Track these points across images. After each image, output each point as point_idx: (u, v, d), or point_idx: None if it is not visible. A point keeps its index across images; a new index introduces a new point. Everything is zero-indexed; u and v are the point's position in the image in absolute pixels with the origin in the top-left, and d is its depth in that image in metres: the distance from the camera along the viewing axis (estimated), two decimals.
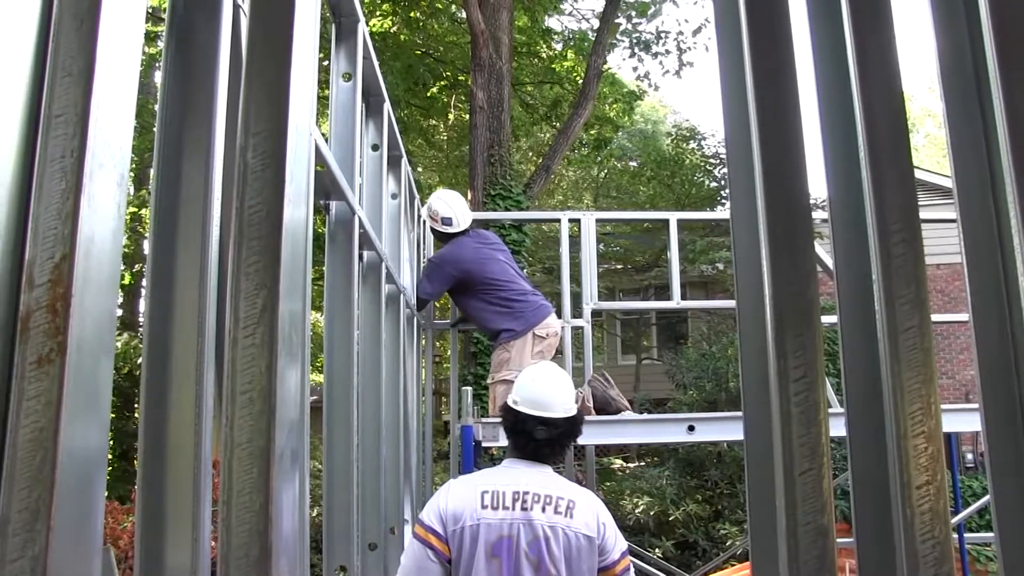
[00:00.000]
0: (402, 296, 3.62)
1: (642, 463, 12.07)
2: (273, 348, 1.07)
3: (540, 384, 2.58)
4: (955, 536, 5.35)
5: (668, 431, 4.20)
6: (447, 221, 4.53)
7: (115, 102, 0.93)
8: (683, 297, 5.14)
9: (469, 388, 3.91)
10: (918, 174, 1.90)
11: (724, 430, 4.18)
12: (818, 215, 5.39)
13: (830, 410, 0.98)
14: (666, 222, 5.18)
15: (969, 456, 12.12)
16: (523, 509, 2.31)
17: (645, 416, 4.64)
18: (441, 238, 4.67)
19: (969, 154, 1.03)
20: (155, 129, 1.18)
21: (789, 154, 1.07)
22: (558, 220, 5.32)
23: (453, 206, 4.56)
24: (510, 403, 2.56)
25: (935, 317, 4.86)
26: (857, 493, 1.01)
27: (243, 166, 1.11)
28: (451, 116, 14.61)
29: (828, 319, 4.79)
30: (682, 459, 10.12)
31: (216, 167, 1.20)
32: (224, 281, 1.17)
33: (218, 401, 1.16)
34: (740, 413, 1.15)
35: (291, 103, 1.15)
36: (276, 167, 1.12)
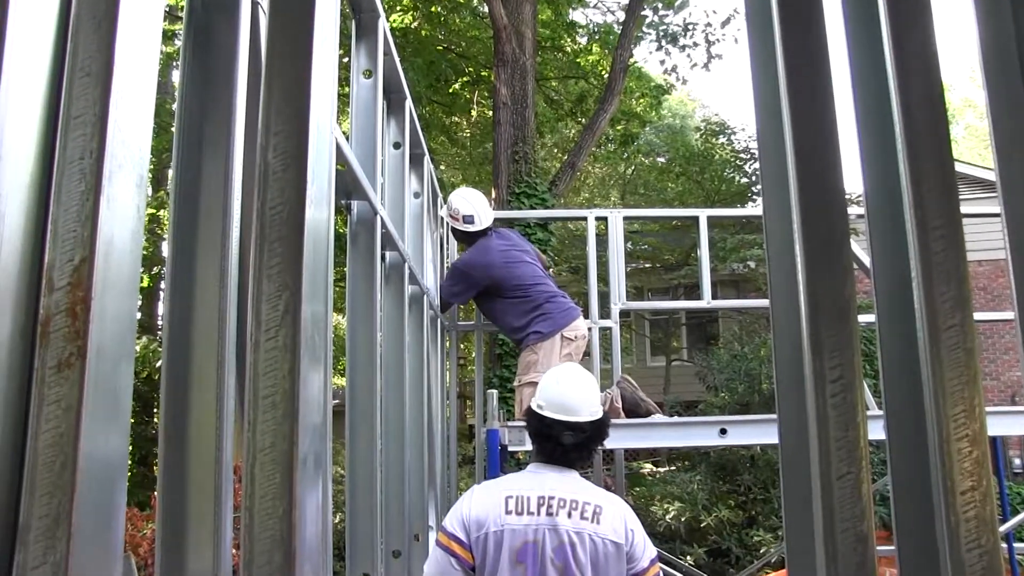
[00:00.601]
0: (425, 297, 3.64)
1: (673, 467, 12.00)
2: (296, 351, 1.07)
3: (565, 387, 2.57)
4: (1003, 545, 5.25)
5: (699, 434, 4.16)
6: (468, 219, 4.52)
7: (134, 102, 0.94)
8: (714, 296, 5.11)
9: (495, 391, 3.91)
10: (958, 167, 1.87)
11: (757, 433, 4.14)
12: (854, 211, 5.33)
13: (868, 413, 0.97)
14: (696, 219, 5.15)
15: (1017, 461, 11.92)
16: (548, 514, 2.30)
17: (676, 419, 4.61)
18: (461, 238, 4.67)
19: (1013, 146, 1.01)
20: (174, 129, 1.20)
21: (823, 147, 1.05)
22: (584, 218, 5.30)
23: (474, 204, 4.55)
24: (534, 407, 2.56)
25: (978, 316, 4.78)
26: (898, 499, 0.99)
27: (263, 166, 1.11)
28: (474, 113, 14.62)
29: (865, 318, 4.74)
30: (714, 463, 10.05)
31: (236, 167, 1.21)
32: (245, 283, 1.17)
33: (239, 405, 1.19)
34: (774, 415, 1.14)
35: (312, 101, 1.15)
36: (297, 167, 1.12)
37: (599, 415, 2.55)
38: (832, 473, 0.94)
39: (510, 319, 4.42)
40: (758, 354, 10.68)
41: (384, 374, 2.74)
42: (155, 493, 1.15)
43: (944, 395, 0.91)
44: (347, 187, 2.18)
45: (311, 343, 1.20)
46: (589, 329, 4.76)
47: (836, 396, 0.96)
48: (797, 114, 1.06)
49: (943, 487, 0.90)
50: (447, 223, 4.72)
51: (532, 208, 8.92)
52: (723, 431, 3.90)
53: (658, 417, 4.23)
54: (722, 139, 15.96)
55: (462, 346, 14.19)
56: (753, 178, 15.06)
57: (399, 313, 2.99)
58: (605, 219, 5.15)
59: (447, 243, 5.05)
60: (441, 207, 4.73)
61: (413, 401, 3.17)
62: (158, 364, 9.95)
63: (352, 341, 2.29)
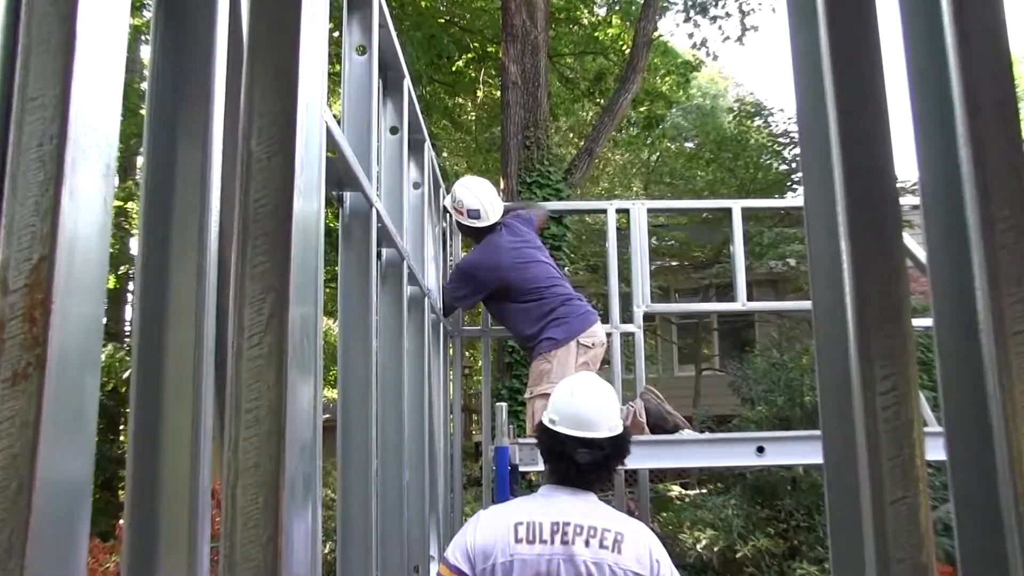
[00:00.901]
0: (427, 299, 3.64)
1: (704, 490, 11.97)
2: (283, 359, 1.06)
3: (580, 398, 2.57)
4: None
5: (734, 453, 4.15)
6: (474, 214, 4.52)
7: (100, 80, 0.93)
8: (749, 298, 5.10)
9: (504, 404, 3.90)
10: None
11: (799, 452, 4.13)
12: (907, 200, 5.31)
13: (926, 429, 0.96)
14: (728, 211, 5.15)
15: None
16: (563, 543, 2.30)
17: (707, 435, 4.61)
18: (468, 233, 4.68)
19: None
20: (144, 112, 1.19)
21: (872, 129, 1.04)
22: (604, 211, 5.31)
23: (481, 196, 4.55)
24: (546, 422, 2.56)
25: None
26: (962, 528, 0.98)
27: (247, 154, 1.10)
28: (480, 93, 14.64)
29: (921, 322, 4.71)
30: (750, 486, 10.01)
31: (214, 154, 1.20)
32: (225, 284, 1.18)
33: (219, 421, 1.19)
34: (818, 432, 1.13)
35: (300, 81, 1.14)
36: (284, 155, 1.12)
37: (619, 430, 2.55)
38: (885, 497, 0.93)
39: (521, 325, 4.42)
40: (799, 362, 10.64)
41: (380, 385, 2.74)
42: (120, 521, 1.15)
43: (1014, 409, 0.90)
44: (339, 177, 2.17)
45: (299, 351, 1.21)
46: (609, 335, 4.76)
47: (888, 410, 0.95)
48: (842, 91, 1.05)
49: (1015, 514, 0.88)
50: (451, 216, 4.72)
51: (545, 199, 8.91)
52: (760, 449, 3.89)
53: (687, 433, 4.22)
54: (758, 121, 15.93)
55: (467, 354, 14.21)
56: (793, 165, 15.02)
57: (397, 317, 2.99)
58: (627, 211, 5.16)
59: (451, 238, 5.06)
60: (444, 199, 4.73)
61: (413, 415, 3.17)
62: (126, 375, 9.97)
63: (345, 348, 2.29)
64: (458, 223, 4.69)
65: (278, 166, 1.11)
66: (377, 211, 2.42)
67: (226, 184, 1.21)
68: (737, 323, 16.97)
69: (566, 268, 8.92)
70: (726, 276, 12.34)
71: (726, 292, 14.85)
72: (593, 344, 4.37)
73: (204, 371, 1.16)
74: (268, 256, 1.09)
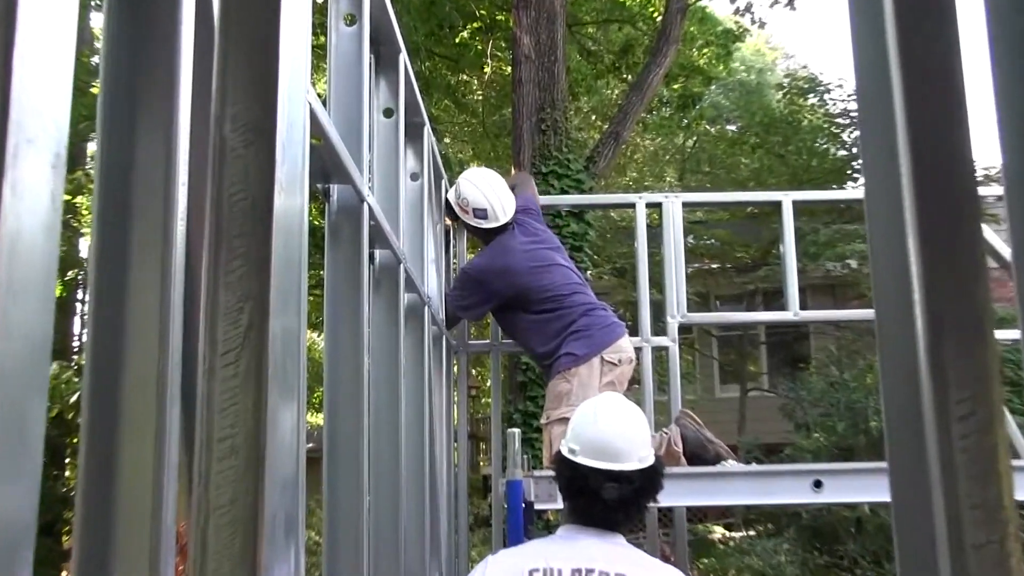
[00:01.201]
0: (427, 309, 3.64)
1: (752, 532, 11.94)
2: (262, 380, 0.99)
3: (605, 424, 2.57)
4: None
5: (786, 488, 4.13)
6: (481, 213, 4.50)
7: (47, 56, 0.93)
8: (803, 306, 5.08)
9: (517, 430, 3.90)
10: None
11: (863, 487, 4.10)
12: (989, 191, 5.29)
13: (1014, 462, 0.95)
14: (778, 205, 5.14)
15: None
16: None
17: (754, 467, 4.59)
18: (475, 233, 4.67)
19: None
20: (96, 91, 1.18)
21: (945, 107, 1.04)
22: (632, 205, 5.30)
23: (488, 193, 4.53)
24: (565, 452, 2.57)
25: None
26: None
27: (219, 142, 1.03)
28: (488, 69, 14.67)
29: (1006, 334, 4.67)
30: (806, 527, 9.98)
31: (180, 142, 1.20)
32: (195, 293, 1.18)
33: (185, 452, 1.20)
34: (884, 464, 1.13)
35: (281, 56, 1.11)
36: (263, 143, 1.03)
37: (650, 461, 2.55)
38: (965, 541, 0.92)
39: (536, 339, 4.42)
40: (863, 382, 10.60)
41: (373, 410, 2.74)
42: (66, 571, 1.14)
43: None
44: (325, 167, 2.18)
45: (281, 370, 1.22)
46: (638, 349, 4.75)
47: (967, 438, 0.94)
48: (910, 62, 1.04)
49: None
50: (456, 211, 4.72)
51: (564, 192, 8.92)
52: (818, 484, 3.87)
53: (730, 464, 4.21)
54: (812, 99, 15.90)
55: (474, 372, 14.19)
56: (853, 150, 14.97)
57: (393, 330, 2.99)
58: (659, 206, 5.16)
59: (455, 238, 5.06)
60: (447, 192, 4.73)
61: (411, 445, 3.16)
62: (74, 399, 9.91)
63: (332, 367, 2.28)
64: (464, 222, 4.68)
65: (256, 156, 1.03)
66: (369, 207, 2.42)
67: (195, 176, 1.21)
68: (789, 335, 16.94)
69: (588, 272, 8.92)
70: (775, 280, 12.27)
71: (775, 299, 14.77)
72: (620, 360, 4.37)
73: (169, 394, 1.16)
74: (245, 260, 1.02)
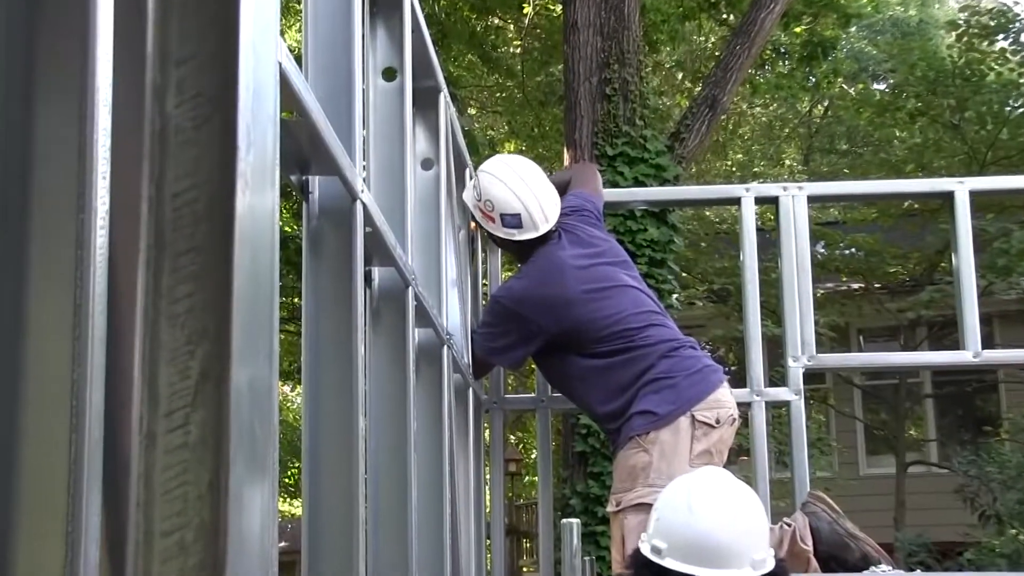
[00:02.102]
0: (446, 350, 3.15)
1: None
2: (222, 450, 0.97)
3: (703, 514, 2.37)
4: None
5: None
6: (513, 220, 3.76)
7: None
8: (987, 343, 4.53)
9: (575, 521, 3.42)
10: None
11: None
12: None
13: None
14: (949, 197, 4.30)
15: None
16: None
17: (919, 574, 4.17)
18: (505, 247, 4.07)
19: None
20: None
21: None
22: (737, 200, 4.52)
23: (520, 189, 3.77)
24: (647, 552, 2.37)
25: None
26: None
27: (160, 121, 1.00)
28: (528, 10, 11.96)
29: None
30: None
31: (99, 122, 1.00)
32: (125, 330, 1.04)
33: (108, 553, 1.02)
34: None
35: (243, 3, 1.03)
36: (221, 121, 1.01)
37: (770, 566, 2.35)
38: None
39: (597, 394, 3.84)
40: None
41: (372, 493, 2.41)
42: None
43: None
44: (302, 151, 1.85)
45: (248, 436, 1.06)
46: (745, 406, 4.13)
47: None
48: None
49: None
50: (477, 216, 3.96)
51: (638, 183, 7.39)
52: None
53: (885, 571, 3.76)
54: (1001, 42, 12.65)
55: (513, 439, 13.34)
56: None
57: (398, 379, 2.59)
58: (775, 201, 4.36)
59: (487, 250, 4.45)
60: (469, 186, 4.00)
61: (424, 544, 2.74)
62: None
63: (313, 433, 1.96)
64: (488, 232, 3.98)
65: (211, 139, 1.01)
66: (364, 207, 2.07)
67: (122, 168, 1.04)
68: (966, 383, 14.42)
69: (673, 297, 7.91)
70: (946, 306, 10.19)
71: (946, 334, 12.04)
72: (718, 420, 3.79)
73: (86, 471, 0.97)
74: (197, 285, 0.99)
